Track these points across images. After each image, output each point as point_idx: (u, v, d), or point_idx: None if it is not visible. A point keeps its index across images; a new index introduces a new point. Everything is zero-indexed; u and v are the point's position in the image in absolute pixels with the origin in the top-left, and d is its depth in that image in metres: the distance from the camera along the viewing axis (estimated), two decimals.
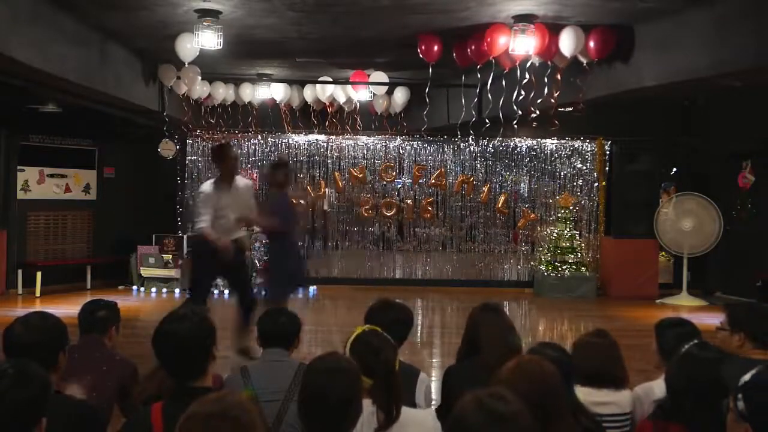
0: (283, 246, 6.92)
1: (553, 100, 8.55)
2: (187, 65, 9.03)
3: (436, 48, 8.43)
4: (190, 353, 2.50)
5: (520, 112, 8.68)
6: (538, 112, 8.66)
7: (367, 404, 2.55)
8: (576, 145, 12.47)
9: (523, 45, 7.73)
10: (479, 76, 8.83)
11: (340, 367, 2.31)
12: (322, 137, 12.65)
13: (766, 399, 1.94)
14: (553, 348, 2.85)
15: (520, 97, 8.62)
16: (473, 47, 8.27)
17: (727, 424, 2.07)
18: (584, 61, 8.21)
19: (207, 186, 6.68)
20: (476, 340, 3.37)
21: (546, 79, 8.53)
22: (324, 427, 2.25)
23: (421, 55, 8.55)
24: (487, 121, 9.40)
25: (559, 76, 8.48)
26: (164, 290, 11.56)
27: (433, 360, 7.33)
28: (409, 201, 12.64)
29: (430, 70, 8.72)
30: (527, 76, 8.44)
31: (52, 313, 2.87)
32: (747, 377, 2.00)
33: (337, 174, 12.60)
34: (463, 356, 3.49)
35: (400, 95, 11.97)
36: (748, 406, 1.95)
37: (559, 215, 12.26)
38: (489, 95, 8.94)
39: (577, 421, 2.51)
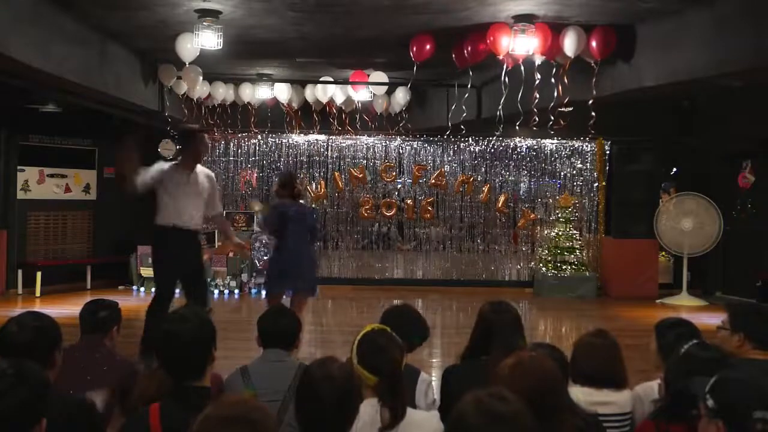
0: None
1: (558, 100, 8.54)
2: (187, 65, 9.03)
3: (427, 47, 8.42)
4: (190, 354, 2.51)
5: (521, 110, 8.68)
6: (536, 112, 8.66)
7: (372, 402, 2.55)
8: (576, 145, 12.47)
9: (524, 45, 7.73)
10: (480, 75, 8.84)
11: (336, 374, 2.32)
12: (322, 137, 12.66)
13: (731, 391, 2.06)
14: (547, 348, 2.84)
15: (521, 97, 8.62)
16: (473, 47, 8.26)
17: (699, 428, 2.14)
18: (590, 61, 8.20)
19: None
20: (486, 339, 3.35)
21: (549, 81, 8.52)
22: (319, 429, 2.26)
23: (411, 56, 8.53)
24: (488, 121, 9.40)
25: (562, 77, 8.48)
26: None
27: (433, 360, 7.32)
28: (409, 201, 12.64)
29: (414, 70, 8.71)
30: (529, 76, 8.44)
31: (46, 312, 2.89)
32: (712, 381, 2.12)
33: (337, 174, 12.60)
34: (469, 355, 3.47)
35: (400, 95, 11.97)
36: (717, 401, 2.06)
37: (559, 215, 12.25)
38: (489, 95, 8.94)
39: (574, 422, 2.50)
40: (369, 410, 2.51)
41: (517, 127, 9.17)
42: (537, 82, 8.43)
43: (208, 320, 2.63)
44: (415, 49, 8.46)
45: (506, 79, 8.50)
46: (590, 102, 8.39)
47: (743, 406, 2.02)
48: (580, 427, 2.53)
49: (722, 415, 2.04)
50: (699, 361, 2.65)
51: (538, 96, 8.50)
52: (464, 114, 9.54)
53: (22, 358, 2.24)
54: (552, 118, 8.85)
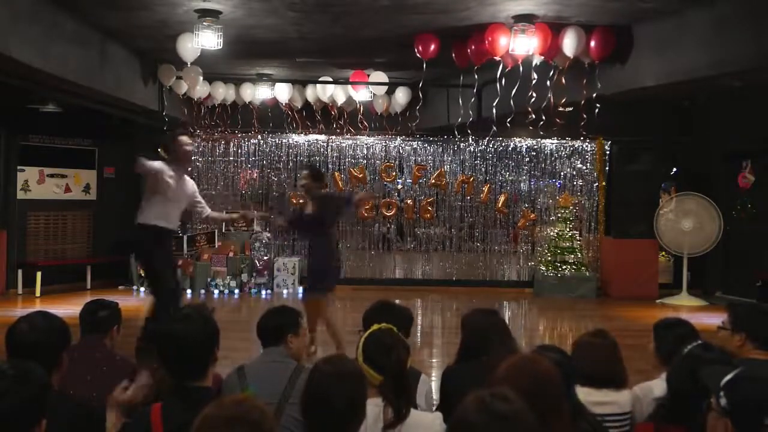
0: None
1: (553, 100, 8.55)
2: (188, 65, 9.03)
3: (432, 46, 8.42)
4: (192, 354, 2.50)
5: (521, 111, 8.68)
6: (535, 112, 8.66)
7: (377, 402, 2.55)
8: (576, 145, 12.47)
9: (523, 45, 7.73)
10: (480, 75, 8.84)
11: (345, 371, 2.31)
12: (322, 137, 12.65)
13: (747, 393, 2.00)
14: (554, 351, 2.84)
15: (521, 97, 8.62)
16: (473, 47, 8.27)
17: (708, 423, 2.10)
18: (586, 61, 8.20)
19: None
20: (478, 345, 3.35)
21: (549, 81, 8.52)
22: (328, 430, 2.25)
23: (417, 54, 8.54)
24: (488, 121, 9.40)
25: (562, 77, 8.48)
26: None
27: (433, 360, 7.32)
28: (409, 201, 12.64)
29: (424, 67, 8.71)
30: (528, 75, 8.44)
31: (54, 313, 2.88)
32: (729, 376, 2.05)
33: (337, 174, 12.60)
34: (461, 359, 3.47)
35: (401, 95, 11.97)
36: (730, 401, 2.00)
37: (559, 215, 12.25)
38: (489, 95, 8.94)
39: (579, 424, 2.49)
40: (373, 409, 2.50)
41: (529, 127, 9.15)
42: (536, 82, 8.43)
43: (211, 320, 2.62)
44: (420, 48, 8.46)
45: (505, 80, 8.51)
46: (590, 102, 8.40)
47: (756, 409, 1.96)
48: (585, 429, 2.53)
49: (733, 414, 1.99)
50: (702, 362, 2.65)
51: (536, 96, 8.50)
52: (469, 117, 9.56)
53: (26, 359, 2.24)
54: (543, 118, 8.86)
